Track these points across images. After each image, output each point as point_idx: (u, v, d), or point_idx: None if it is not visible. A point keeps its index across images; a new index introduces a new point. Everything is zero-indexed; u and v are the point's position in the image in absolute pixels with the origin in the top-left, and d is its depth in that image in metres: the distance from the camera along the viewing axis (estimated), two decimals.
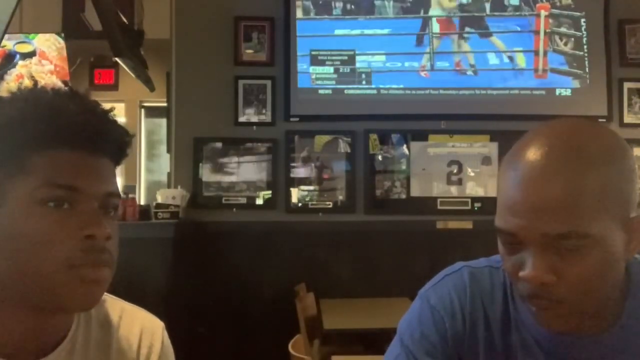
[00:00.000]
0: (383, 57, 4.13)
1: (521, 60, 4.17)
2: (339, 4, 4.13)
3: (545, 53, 4.16)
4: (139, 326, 0.94)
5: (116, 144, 0.85)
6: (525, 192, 0.79)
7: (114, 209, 0.84)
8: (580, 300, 0.81)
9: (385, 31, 4.15)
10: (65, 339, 0.86)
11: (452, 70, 4.14)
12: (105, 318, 0.92)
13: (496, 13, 4.17)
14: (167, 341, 0.97)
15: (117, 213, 0.86)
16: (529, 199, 0.79)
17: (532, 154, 0.80)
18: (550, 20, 4.16)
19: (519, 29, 4.18)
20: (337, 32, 4.15)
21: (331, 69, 4.13)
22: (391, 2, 4.14)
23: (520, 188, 0.80)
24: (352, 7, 4.14)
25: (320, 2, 4.13)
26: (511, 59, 4.14)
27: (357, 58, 4.12)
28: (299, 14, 4.12)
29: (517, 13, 4.17)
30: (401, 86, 4.13)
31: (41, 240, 0.77)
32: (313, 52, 4.13)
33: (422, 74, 4.13)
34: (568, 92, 4.16)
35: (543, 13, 4.16)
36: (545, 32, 4.16)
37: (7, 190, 0.78)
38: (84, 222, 0.79)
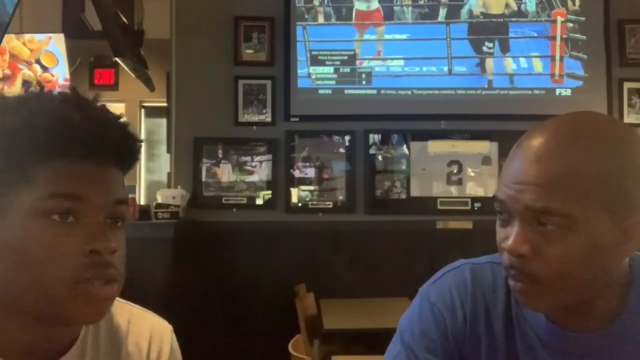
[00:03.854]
0: (402, 62, 4.13)
1: (538, 65, 4.16)
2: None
3: (561, 59, 4.14)
4: (148, 330, 0.94)
5: (125, 152, 0.84)
6: (518, 166, 0.84)
7: (122, 218, 0.82)
8: (555, 282, 0.82)
9: (404, 36, 4.15)
10: (75, 344, 0.86)
11: (469, 75, 4.13)
12: (115, 323, 0.92)
13: (513, 19, 4.15)
14: (176, 344, 0.97)
15: (125, 221, 0.83)
16: (519, 172, 0.84)
17: (536, 135, 0.85)
18: (569, 25, 4.14)
19: (535, 34, 4.17)
20: (357, 36, 4.14)
21: (331, 69, 4.13)
22: (410, 8, 4.15)
23: (514, 162, 0.85)
24: None
25: (344, 9, 4.13)
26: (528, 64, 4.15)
27: (382, 62, 4.13)
28: (321, 19, 4.12)
29: (534, 19, 4.15)
30: (411, 86, 4.13)
31: (45, 254, 0.75)
32: (313, 52, 4.13)
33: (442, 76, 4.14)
34: (568, 92, 4.16)
35: (559, 19, 4.14)
36: (561, 38, 4.14)
37: (11, 200, 0.77)
38: (88, 237, 0.77)
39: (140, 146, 0.87)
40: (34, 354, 0.81)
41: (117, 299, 0.93)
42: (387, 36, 4.15)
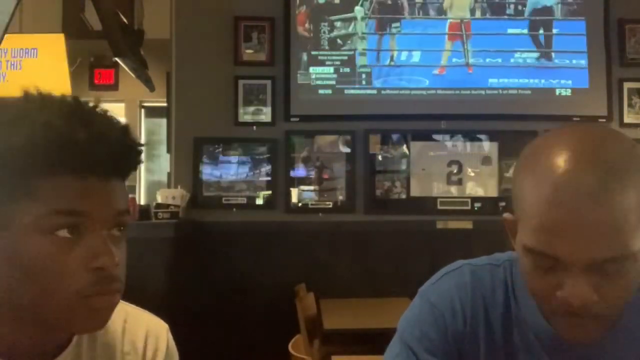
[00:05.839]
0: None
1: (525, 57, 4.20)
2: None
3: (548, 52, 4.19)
4: (144, 329, 0.94)
5: (128, 164, 0.83)
6: (572, 214, 0.75)
7: (124, 226, 0.82)
8: (614, 315, 0.83)
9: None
10: (71, 343, 0.86)
11: (458, 66, 4.16)
12: (110, 322, 0.91)
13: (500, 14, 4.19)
14: (172, 343, 0.97)
15: (126, 228, 0.83)
16: (577, 222, 0.75)
17: (567, 169, 0.77)
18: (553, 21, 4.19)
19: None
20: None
21: (331, 69, 4.13)
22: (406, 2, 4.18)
23: (564, 209, 0.76)
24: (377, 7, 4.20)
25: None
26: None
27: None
28: None
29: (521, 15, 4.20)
30: (409, 85, 4.14)
31: (50, 270, 0.75)
32: (313, 52, 4.13)
33: (437, 71, 4.16)
34: (568, 92, 4.16)
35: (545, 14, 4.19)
36: (547, 31, 4.18)
37: (12, 213, 0.76)
38: (93, 253, 0.77)
39: (142, 152, 0.85)
40: (31, 352, 0.82)
41: None
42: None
